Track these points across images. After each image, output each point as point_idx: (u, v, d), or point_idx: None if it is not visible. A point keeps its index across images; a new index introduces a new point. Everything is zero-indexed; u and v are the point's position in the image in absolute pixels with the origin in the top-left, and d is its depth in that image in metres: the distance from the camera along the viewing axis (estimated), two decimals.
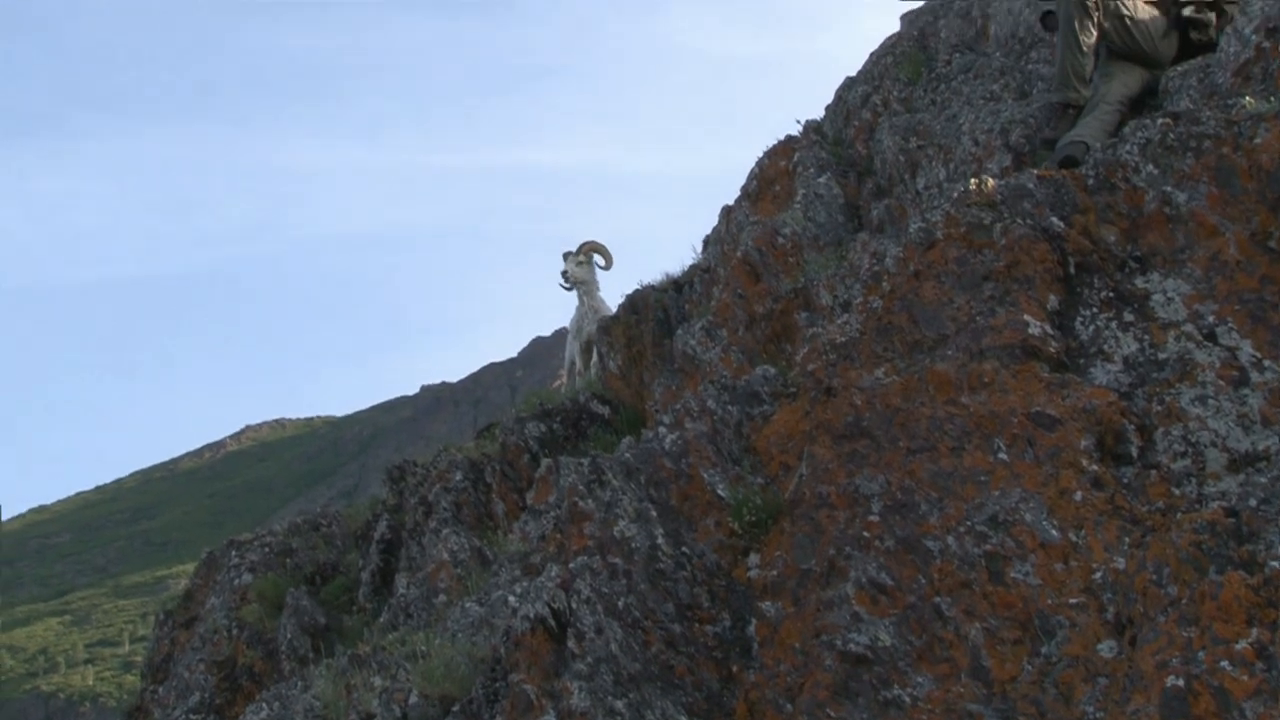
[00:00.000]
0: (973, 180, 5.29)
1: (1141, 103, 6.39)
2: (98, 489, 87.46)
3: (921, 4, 10.02)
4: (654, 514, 5.29)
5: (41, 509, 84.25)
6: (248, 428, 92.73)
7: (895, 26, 10.48)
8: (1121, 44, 6.47)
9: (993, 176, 7.21)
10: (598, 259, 13.54)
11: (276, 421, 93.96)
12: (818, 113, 10.72)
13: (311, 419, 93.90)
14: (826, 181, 9.24)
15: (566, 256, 13.42)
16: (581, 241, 13.49)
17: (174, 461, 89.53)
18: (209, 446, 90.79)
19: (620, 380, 12.81)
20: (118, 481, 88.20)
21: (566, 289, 13.54)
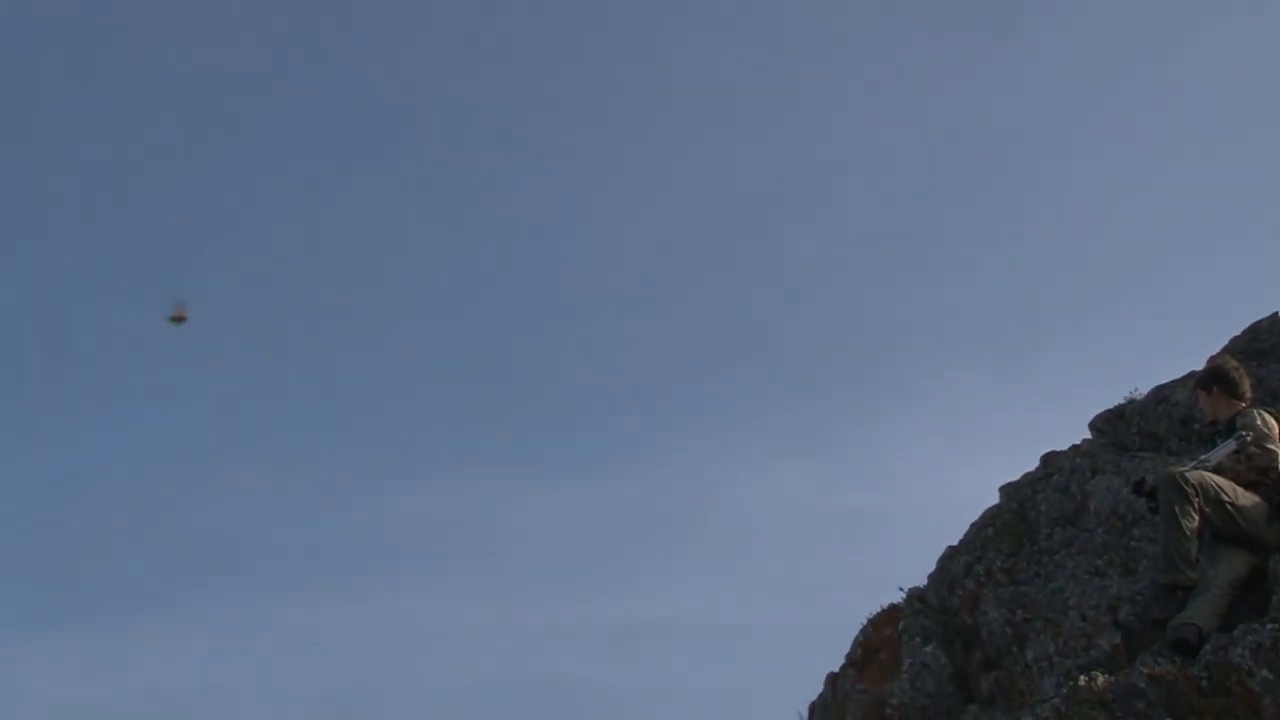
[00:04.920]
0: (1082, 677, 5.21)
1: (1250, 585, 6.34)
2: None
3: (1019, 478, 10.24)
4: None
5: None
6: None
7: (992, 487, 10.66)
8: (1224, 528, 6.52)
9: (1103, 653, 7.10)
10: None
11: None
12: (914, 570, 10.73)
13: None
14: (933, 651, 9.12)
15: None
16: None
17: None
18: None
19: None
20: None
21: None
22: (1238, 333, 10.07)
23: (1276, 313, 9.98)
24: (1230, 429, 7.08)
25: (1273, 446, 6.77)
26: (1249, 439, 6.80)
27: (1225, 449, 6.83)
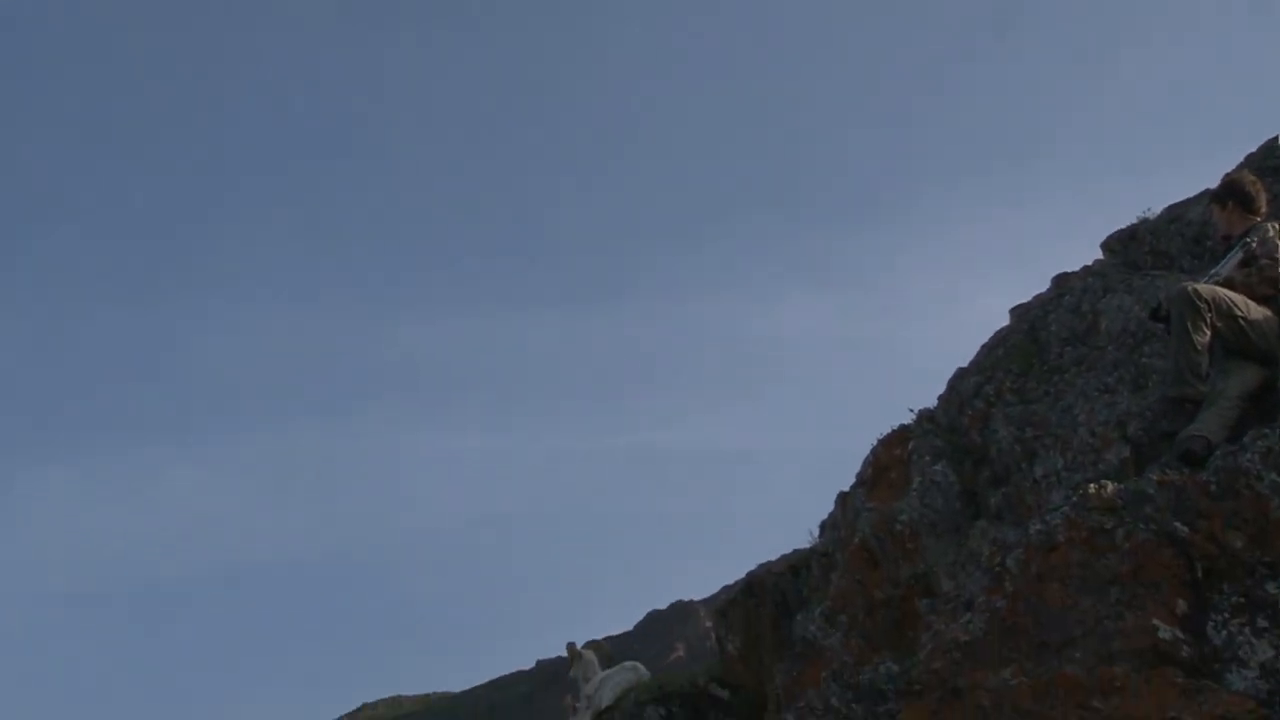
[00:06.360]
0: (1092, 485, 5.32)
1: (1260, 398, 6.40)
2: None
3: (1031, 300, 10.27)
4: None
5: None
6: (365, 706, 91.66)
7: (1001, 308, 10.76)
8: (1235, 342, 6.54)
9: (1111, 467, 7.23)
10: (590, 658, 15.14)
11: (393, 698, 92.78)
12: (926, 395, 10.89)
13: (429, 695, 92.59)
14: (942, 469, 9.30)
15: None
16: (568, 643, 15.37)
17: None
18: None
19: (740, 662, 12.64)
20: None
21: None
22: (1254, 149, 9.96)
23: None
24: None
25: None
26: (1254, 244, 6.78)
27: (1233, 259, 6.82)
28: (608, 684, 14.20)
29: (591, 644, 16.05)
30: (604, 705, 13.71)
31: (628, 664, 14.73)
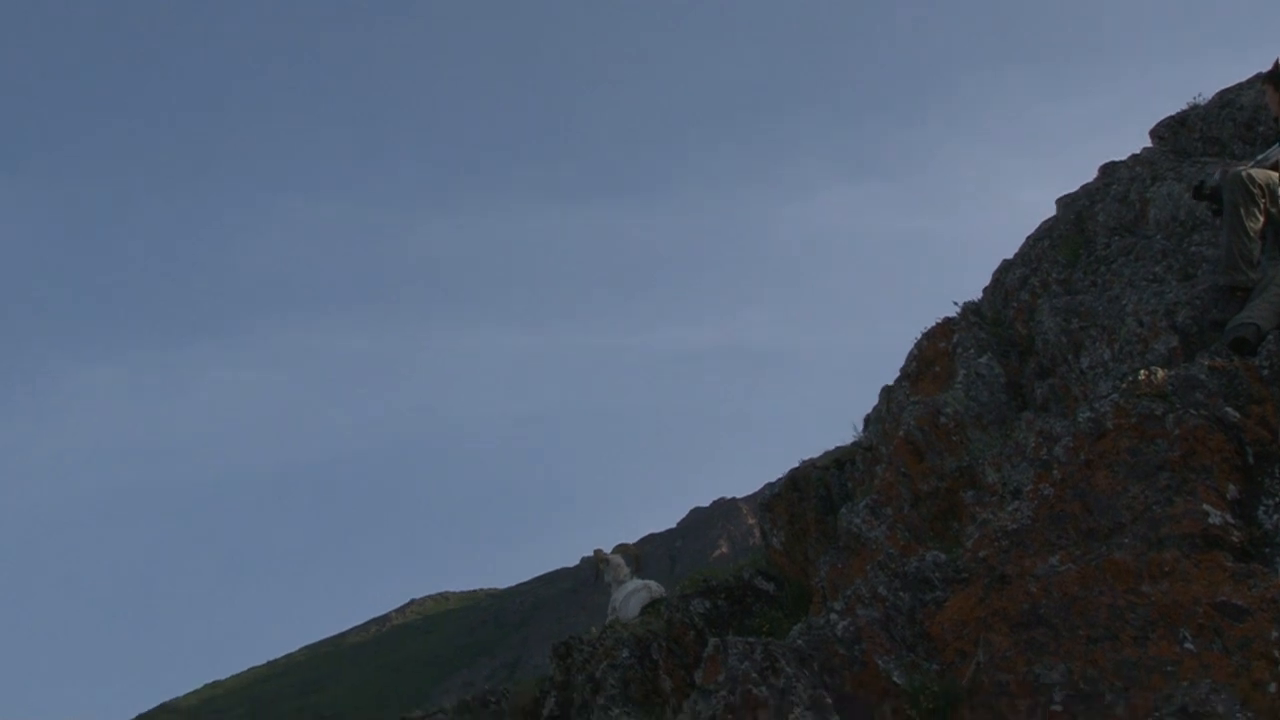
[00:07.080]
0: (1142, 371, 5.33)
1: None
2: (269, 664, 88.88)
3: (1077, 189, 10.15)
4: (829, 701, 5.29)
5: (215, 684, 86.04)
6: (412, 601, 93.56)
7: (1046, 200, 10.64)
8: None
9: (1160, 356, 7.21)
10: (618, 560, 15.16)
11: (440, 594, 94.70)
12: (970, 289, 10.85)
13: (475, 591, 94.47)
14: (988, 361, 9.28)
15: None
16: (595, 550, 15.35)
17: (341, 636, 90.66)
18: (375, 620, 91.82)
19: (784, 556, 12.79)
20: (287, 656, 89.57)
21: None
22: None
23: None
24: None
25: None
26: None
27: None
28: (632, 600, 14.39)
29: (620, 547, 16.17)
30: (627, 619, 13.89)
31: (639, 582, 14.82)
